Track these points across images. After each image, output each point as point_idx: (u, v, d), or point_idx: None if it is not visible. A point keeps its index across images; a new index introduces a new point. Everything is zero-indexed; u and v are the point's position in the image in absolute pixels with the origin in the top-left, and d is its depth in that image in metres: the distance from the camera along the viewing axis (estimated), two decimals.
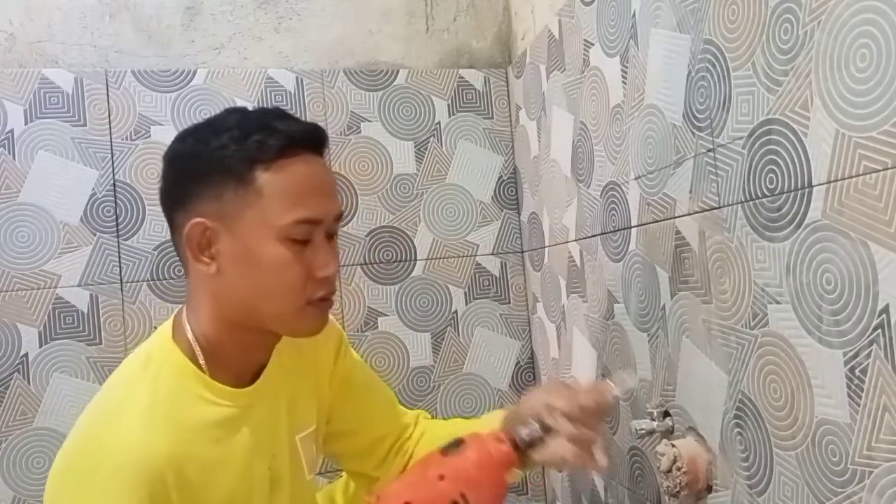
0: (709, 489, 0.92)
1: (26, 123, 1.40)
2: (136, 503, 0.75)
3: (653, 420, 1.00)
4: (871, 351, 0.66)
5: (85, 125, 1.43)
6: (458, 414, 1.56)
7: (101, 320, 1.40)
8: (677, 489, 0.92)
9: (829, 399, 0.72)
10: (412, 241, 1.58)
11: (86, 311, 1.40)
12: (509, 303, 1.62)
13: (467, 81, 1.64)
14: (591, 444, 0.85)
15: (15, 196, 1.38)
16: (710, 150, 0.88)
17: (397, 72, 1.61)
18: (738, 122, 0.82)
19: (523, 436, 0.84)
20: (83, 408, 0.84)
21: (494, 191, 1.64)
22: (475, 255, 1.61)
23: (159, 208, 0.89)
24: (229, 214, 0.81)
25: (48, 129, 1.41)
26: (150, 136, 1.45)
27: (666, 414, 1.00)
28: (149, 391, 0.81)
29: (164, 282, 1.43)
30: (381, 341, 1.55)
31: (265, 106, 0.91)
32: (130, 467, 0.76)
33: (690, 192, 0.93)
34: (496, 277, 1.62)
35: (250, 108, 0.89)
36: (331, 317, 0.92)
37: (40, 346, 1.37)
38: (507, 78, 1.67)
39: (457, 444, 0.83)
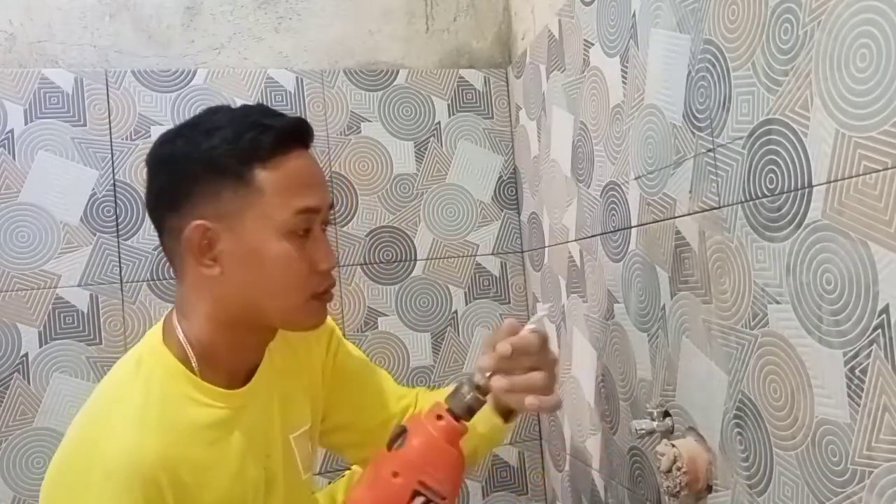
0: (709, 489, 0.92)
1: (26, 123, 1.40)
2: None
3: (653, 420, 1.00)
4: (871, 351, 0.66)
5: (85, 125, 1.43)
6: None
7: (101, 320, 1.40)
8: (677, 489, 0.92)
9: (829, 399, 0.72)
10: (412, 241, 1.58)
11: (86, 311, 1.40)
12: (509, 303, 1.62)
13: (467, 81, 1.64)
14: (531, 388, 0.85)
15: (15, 196, 1.38)
16: (710, 150, 0.88)
17: (397, 72, 1.61)
18: (738, 122, 0.82)
19: (460, 405, 0.84)
20: (86, 402, 0.84)
21: (494, 191, 1.64)
22: (475, 255, 1.61)
23: None
24: (230, 214, 0.81)
25: (48, 129, 1.41)
26: (150, 136, 1.45)
27: (666, 414, 1.00)
28: (141, 394, 0.81)
29: (164, 282, 1.43)
30: (381, 341, 1.55)
31: (246, 103, 0.90)
32: (124, 470, 0.75)
33: (690, 192, 0.93)
34: (496, 277, 1.62)
35: (232, 106, 0.89)
36: None
37: (40, 346, 1.37)
38: (507, 78, 1.67)
39: (400, 435, 0.83)
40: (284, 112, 0.89)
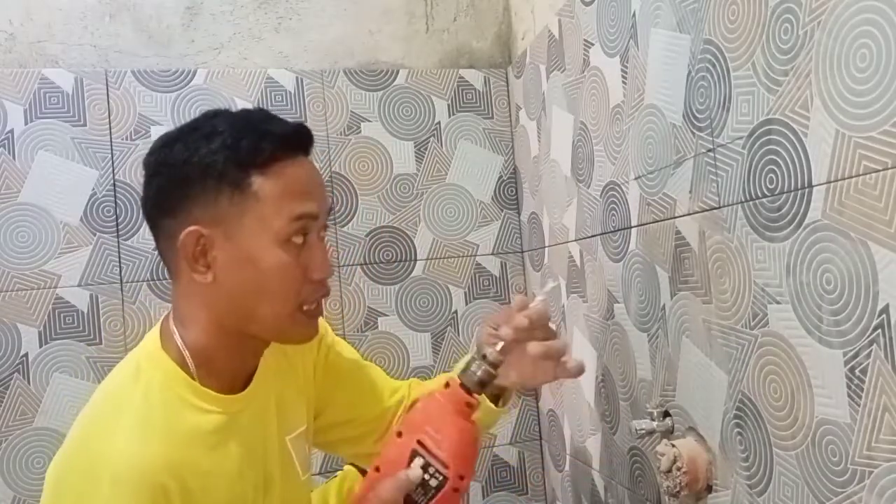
0: (709, 489, 0.92)
1: (26, 123, 1.40)
2: None
3: (653, 420, 1.00)
4: (871, 351, 0.66)
5: (85, 125, 1.43)
6: None
7: (101, 320, 1.40)
8: (677, 489, 0.92)
9: (829, 399, 0.72)
10: (412, 241, 1.58)
11: (86, 311, 1.40)
12: (509, 303, 1.62)
13: (467, 81, 1.64)
14: (562, 352, 0.89)
15: (15, 196, 1.38)
16: (710, 150, 0.88)
17: (397, 72, 1.61)
18: (738, 122, 0.82)
19: (471, 379, 0.84)
20: (83, 408, 0.84)
21: (494, 191, 1.64)
22: (475, 255, 1.61)
23: None
24: (225, 220, 0.81)
25: (48, 129, 1.41)
26: (149, 136, 1.45)
27: (666, 414, 1.00)
28: (142, 399, 0.80)
29: (164, 282, 1.43)
30: (381, 341, 1.55)
31: (246, 108, 0.90)
32: (131, 475, 0.75)
33: (690, 192, 0.93)
34: (496, 277, 1.62)
35: (233, 110, 0.88)
36: None
37: (40, 346, 1.37)
38: (507, 78, 1.67)
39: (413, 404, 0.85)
40: (285, 113, 0.89)
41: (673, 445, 0.93)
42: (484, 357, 0.84)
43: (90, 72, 1.45)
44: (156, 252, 0.90)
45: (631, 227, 1.09)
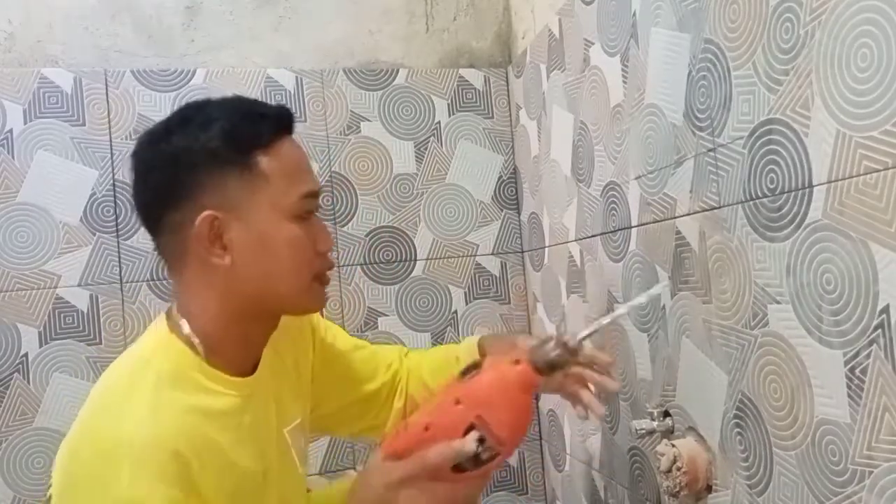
0: (709, 489, 0.92)
1: (25, 123, 1.40)
2: (167, 483, 0.73)
3: (653, 420, 1.00)
4: (871, 351, 0.66)
5: (84, 125, 1.43)
6: None
7: (101, 320, 1.40)
8: (677, 489, 0.91)
9: (829, 399, 0.72)
10: (412, 241, 1.58)
11: (86, 311, 1.40)
12: (509, 303, 1.62)
13: (467, 81, 1.64)
14: (607, 368, 0.97)
15: (14, 196, 1.38)
16: (710, 150, 0.88)
17: (397, 71, 1.61)
18: (738, 121, 0.82)
19: (544, 359, 0.79)
20: (84, 402, 0.83)
21: (494, 191, 1.64)
22: (475, 255, 1.61)
23: None
24: (237, 203, 0.82)
25: (48, 128, 1.41)
26: None
27: (666, 414, 1.00)
28: (154, 380, 0.80)
29: (164, 282, 1.42)
30: (381, 341, 1.54)
31: (224, 95, 0.90)
32: (149, 455, 0.74)
33: (691, 191, 0.93)
34: (496, 277, 1.62)
35: (212, 98, 0.89)
36: None
37: (40, 346, 1.37)
38: (507, 77, 1.66)
39: (474, 367, 0.81)
40: None
41: (673, 445, 0.93)
42: (564, 345, 0.81)
43: (90, 71, 1.45)
44: (156, 252, 0.90)
45: (631, 227, 1.09)
